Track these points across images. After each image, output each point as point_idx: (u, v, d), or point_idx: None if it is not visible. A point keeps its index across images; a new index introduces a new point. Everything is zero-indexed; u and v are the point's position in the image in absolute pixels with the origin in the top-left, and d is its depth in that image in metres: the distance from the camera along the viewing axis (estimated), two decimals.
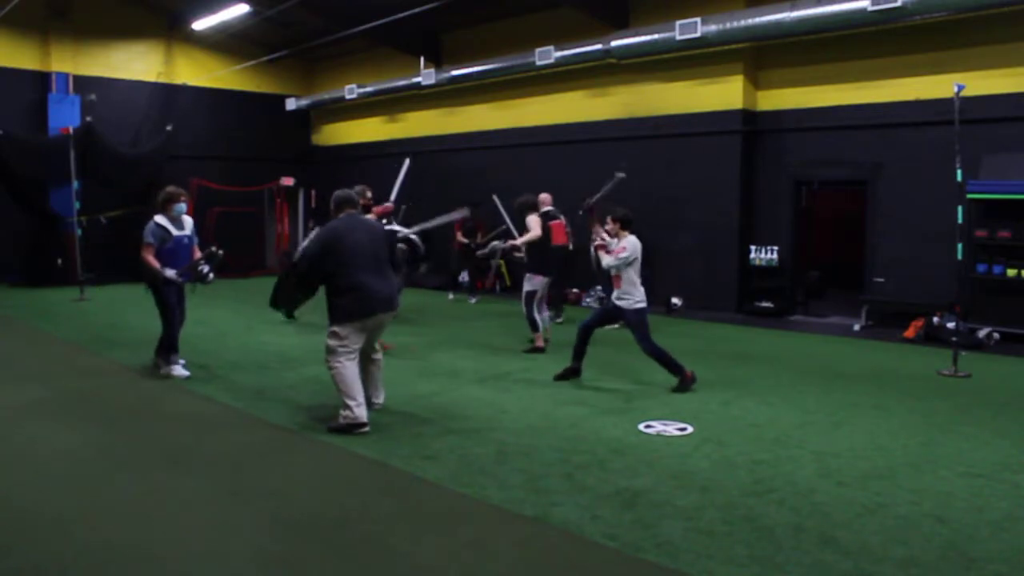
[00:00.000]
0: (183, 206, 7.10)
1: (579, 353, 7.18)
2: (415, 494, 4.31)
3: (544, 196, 10.24)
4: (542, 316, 8.84)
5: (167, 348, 7.17)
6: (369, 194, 8.51)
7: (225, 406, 6.14)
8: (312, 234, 7.94)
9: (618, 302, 6.87)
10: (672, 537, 3.67)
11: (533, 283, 8.74)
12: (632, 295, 6.79)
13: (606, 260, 6.85)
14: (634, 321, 6.81)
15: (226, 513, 4.01)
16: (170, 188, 7.15)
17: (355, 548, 3.61)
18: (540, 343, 8.62)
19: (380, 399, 6.07)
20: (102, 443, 5.17)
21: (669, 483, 4.42)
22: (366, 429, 5.38)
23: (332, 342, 5.48)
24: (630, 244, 6.80)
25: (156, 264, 6.87)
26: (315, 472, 4.66)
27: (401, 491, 4.37)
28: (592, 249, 7.66)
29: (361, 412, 5.42)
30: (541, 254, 8.86)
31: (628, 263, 6.74)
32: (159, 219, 7.00)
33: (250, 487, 4.38)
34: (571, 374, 7.18)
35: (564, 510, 4.01)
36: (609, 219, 7.11)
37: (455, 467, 4.69)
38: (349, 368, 5.48)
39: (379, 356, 6.06)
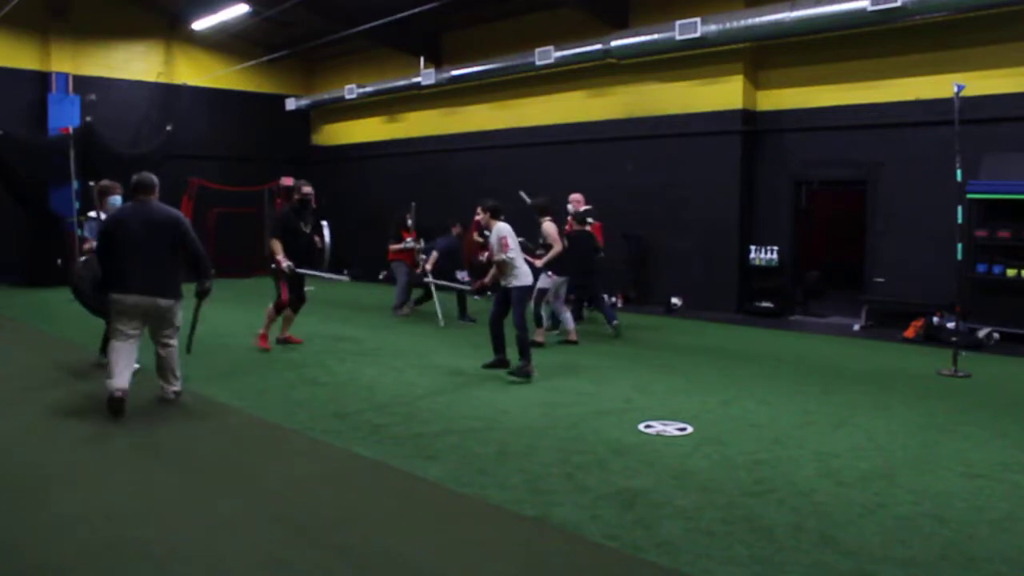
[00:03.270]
0: (118, 199, 7.05)
1: (499, 346, 7.45)
2: (415, 494, 4.31)
3: (576, 196, 10.00)
4: (563, 316, 8.94)
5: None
6: (307, 188, 8.58)
7: (225, 406, 6.14)
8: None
9: (507, 284, 7.22)
10: (672, 537, 3.67)
11: (549, 281, 8.81)
12: (516, 276, 7.14)
13: (500, 256, 7.17)
14: (515, 298, 7.20)
15: (226, 513, 4.01)
16: (104, 181, 7.28)
17: (355, 548, 3.61)
18: (540, 338, 8.67)
19: (173, 387, 6.14)
20: (102, 443, 5.16)
21: (669, 483, 4.41)
22: (118, 395, 5.54)
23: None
24: (506, 232, 7.13)
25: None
26: (315, 472, 4.66)
27: (401, 491, 4.36)
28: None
29: (111, 384, 5.60)
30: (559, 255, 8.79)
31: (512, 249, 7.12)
32: (94, 214, 7.08)
33: (250, 487, 4.38)
34: (499, 365, 7.40)
35: (564, 510, 4.01)
36: (479, 209, 7.65)
37: (455, 467, 4.69)
38: (115, 346, 5.75)
39: (171, 343, 6.04)
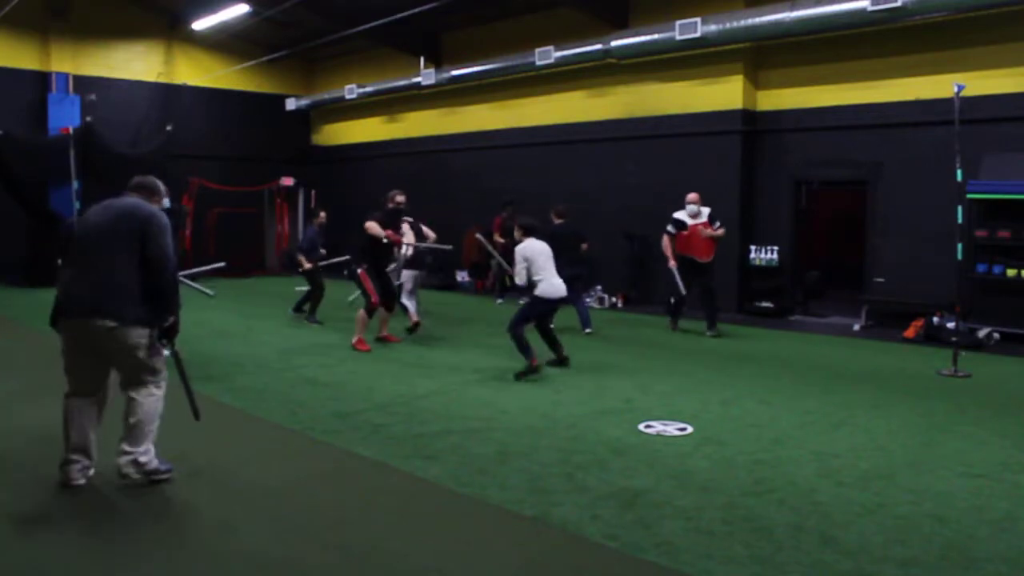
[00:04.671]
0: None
1: (555, 347, 7.72)
2: (415, 494, 4.31)
3: (691, 195, 9.81)
4: (409, 304, 9.67)
5: None
6: (400, 198, 8.81)
7: (225, 406, 6.13)
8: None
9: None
10: (672, 537, 3.67)
11: (409, 275, 9.89)
12: (534, 287, 7.48)
13: (511, 269, 7.70)
14: (524, 304, 7.78)
15: (226, 513, 4.01)
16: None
17: (355, 548, 3.61)
18: (412, 320, 9.42)
19: (131, 455, 4.14)
20: (101, 443, 5.16)
21: (669, 483, 4.42)
22: (72, 482, 4.17)
23: None
24: (526, 251, 7.47)
25: None
26: (315, 472, 4.66)
27: (401, 491, 4.37)
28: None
29: (66, 473, 4.17)
30: None
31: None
32: None
33: (250, 487, 4.38)
34: (560, 363, 7.68)
35: (564, 510, 4.01)
36: (510, 221, 8.26)
37: (455, 467, 4.69)
38: (65, 406, 4.21)
39: (137, 395, 4.19)
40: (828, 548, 3.56)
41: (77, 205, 13.95)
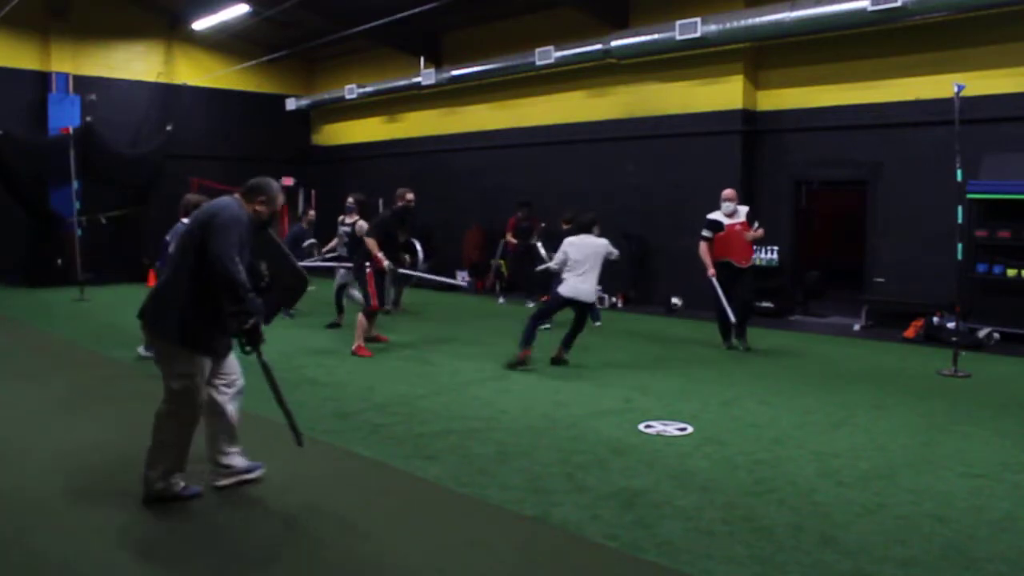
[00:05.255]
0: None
1: (566, 341, 7.90)
2: (415, 494, 4.31)
3: (727, 191, 8.83)
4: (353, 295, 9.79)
5: None
6: (409, 195, 8.80)
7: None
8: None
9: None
10: (672, 537, 3.67)
11: (345, 273, 9.93)
12: (560, 282, 7.76)
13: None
14: (550, 297, 8.19)
15: (226, 513, 4.01)
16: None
17: (355, 548, 3.61)
18: (339, 321, 9.92)
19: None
20: (102, 443, 5.16)
21: (669, 483, 4.41)
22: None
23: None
24: (564, 245, 7.70)
25: None
26: (315, 472, 4.66)
27: (401, 491, 4.37)
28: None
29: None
30: None
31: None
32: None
33: (250, 487, 4.37)
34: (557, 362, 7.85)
35: (564, 510, 4.01)
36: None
37: (455, 467, 4.69)
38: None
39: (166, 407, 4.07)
40: (828, 548, 3.56)
41: (77, 205, 13.97)
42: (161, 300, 4.02)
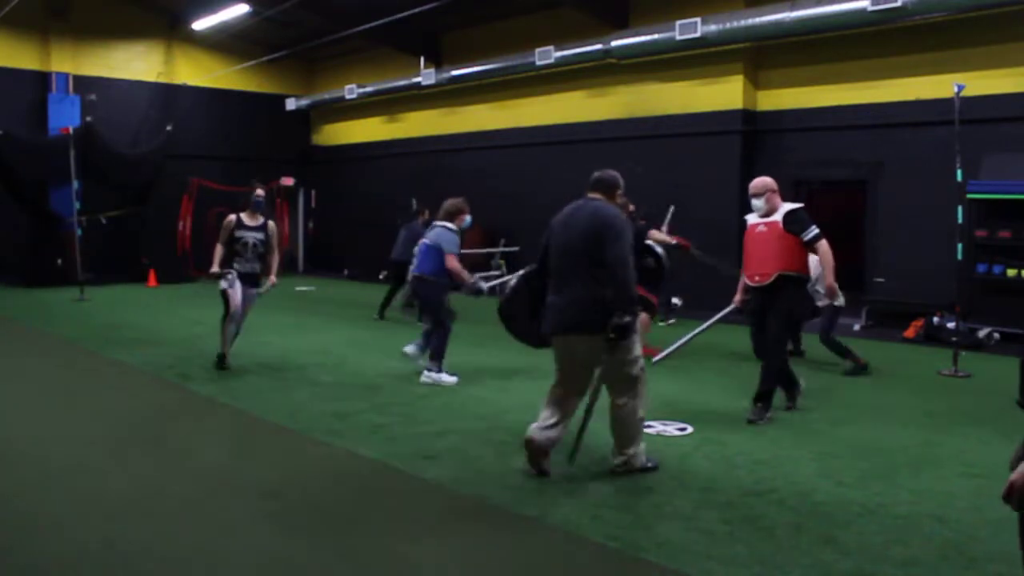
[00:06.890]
0: (468, 219, 7.81)
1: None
2: (415, 494, 4.31)
3: (754, 182, 6.56)
4: None
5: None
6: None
7: (225, 406, 6.13)
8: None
9: None
10: (672, 537, 3.67)
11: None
12: None
13: None
14: None
15: (226, 513, 4.00)
16: (457, 201, 7.71)
17: (355, 548, 3.61)
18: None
19: (619, 457, 4.57)
20: (103, 443, 5.16)
21: (669, 483, 4.41)
22: (532, 443, 4.54)
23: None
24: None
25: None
26: (315, 472, 4.66)
27: (401, 491, 4.36)
28: None
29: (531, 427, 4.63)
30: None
31: None
32: (453, 225, 7.51)
33: (250, 487, 4.37)
34: None
35: (564, 510, 4.00)
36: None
37: (455, 467, 4.69)
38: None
39: (619, 402, 4.57)
40: (828, 548, 3.56)
41: (77, 205, 13.97)
42: (584, 304, 4.36)
